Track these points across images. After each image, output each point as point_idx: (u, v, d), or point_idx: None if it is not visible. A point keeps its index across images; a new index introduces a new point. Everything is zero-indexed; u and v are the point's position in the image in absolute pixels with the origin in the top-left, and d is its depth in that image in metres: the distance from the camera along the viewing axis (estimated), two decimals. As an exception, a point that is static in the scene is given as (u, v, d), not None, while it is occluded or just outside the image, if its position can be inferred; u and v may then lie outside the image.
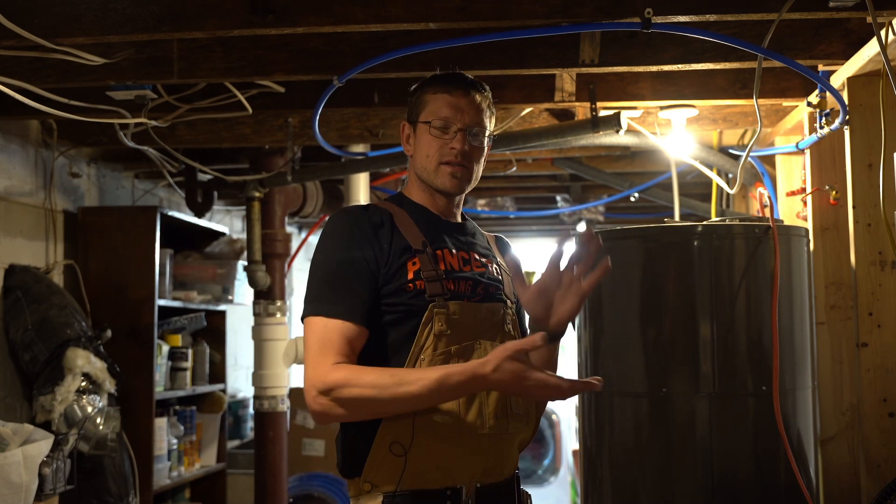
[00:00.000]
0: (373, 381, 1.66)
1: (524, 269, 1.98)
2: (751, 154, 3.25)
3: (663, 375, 2.47)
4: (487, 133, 1.88)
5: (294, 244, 4.87)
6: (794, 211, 3.34)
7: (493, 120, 1.92)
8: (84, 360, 3.60)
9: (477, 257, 1.87)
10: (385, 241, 1.78)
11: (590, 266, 1.70)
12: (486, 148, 1.89)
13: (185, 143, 3.91)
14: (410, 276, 1.76)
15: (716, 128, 3.78)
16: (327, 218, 3.27)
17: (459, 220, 1.95)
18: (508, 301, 1.89)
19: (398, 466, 1.71)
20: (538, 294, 1.71)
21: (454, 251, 1.84)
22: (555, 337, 1.75)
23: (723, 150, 3.96)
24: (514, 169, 4.53)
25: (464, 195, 1.92)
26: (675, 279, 2.47)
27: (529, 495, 1.95)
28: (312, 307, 1.75)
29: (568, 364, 2.67)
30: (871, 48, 2.38)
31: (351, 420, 1.74)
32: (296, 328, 6.64)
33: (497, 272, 1.90)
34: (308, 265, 1.84)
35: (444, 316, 1.74)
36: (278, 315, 4.38)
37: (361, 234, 1.78)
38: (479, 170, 1.89)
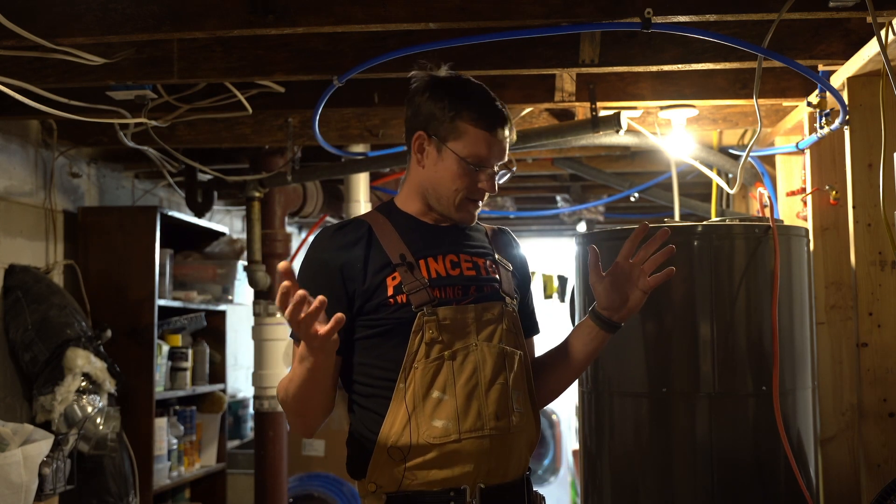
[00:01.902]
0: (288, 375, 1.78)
1: (530, 269, 1.98)
2: (751, 154, 3.24)
3: (663, 375, 2.47)
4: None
5: (294, 244, 4.87)
6: (794, 211, 3.33)
7: None
8: (84, 360, 3.60)
9: (467, 258, 1.85)
10: (358, 260, 1.78)
11: (657, 263, 1.87)
12: None
13: (185, 143, 3.91)
14: (390, 291, 1.76)
15: (716, 128, 3.78)
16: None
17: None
18: (508, 298, 1.86)
19: (399, 469, 1.73)
20: (610, 285, 1.86)
21: (441, 256, 1.82)
22: (614, 327, 1.89)
23: (723, 150, 3.96)
24: (514, 169, 4.52)
25: None
26: (675, 279, 2.46)
27: (543, 497, 1.93)
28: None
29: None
30: (871, 48, 2.38)
31: (300, 423, 1.83)
32: (296, 328, 6.62)
33: (492, 269, 1.87)
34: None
35: (434, 323, 1.74)
36: (278, 315, 4.37)
37: (330, 258, 1.79)
38: None
